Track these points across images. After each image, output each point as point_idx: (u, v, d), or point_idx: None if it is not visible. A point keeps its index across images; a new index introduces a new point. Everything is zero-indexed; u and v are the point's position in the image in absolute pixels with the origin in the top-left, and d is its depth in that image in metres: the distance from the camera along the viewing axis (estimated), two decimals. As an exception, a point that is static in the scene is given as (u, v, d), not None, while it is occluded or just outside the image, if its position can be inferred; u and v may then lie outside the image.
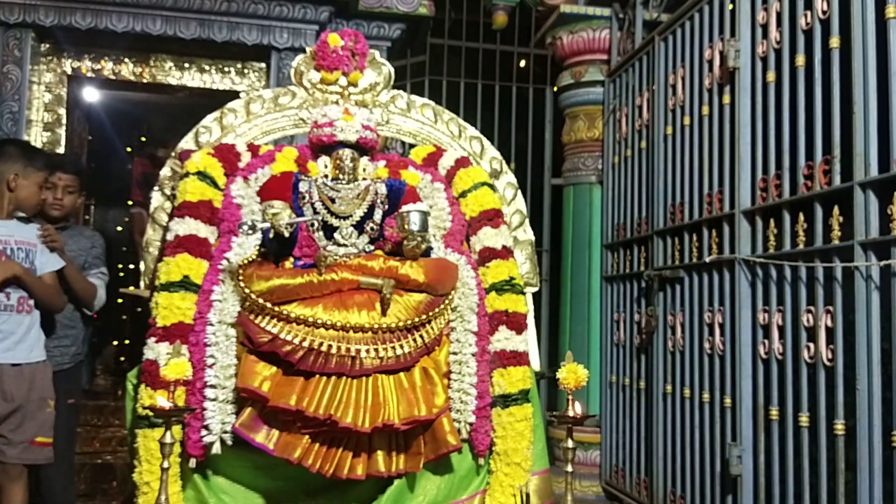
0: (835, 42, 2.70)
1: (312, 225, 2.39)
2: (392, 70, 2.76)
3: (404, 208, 2.35)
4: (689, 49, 3.64)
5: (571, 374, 2.02)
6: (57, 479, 3.03)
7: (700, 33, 3.54)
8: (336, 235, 2.42)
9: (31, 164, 2.89)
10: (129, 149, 5.82)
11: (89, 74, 4.22)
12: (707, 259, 3.33)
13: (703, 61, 3.50)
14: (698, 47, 3.55)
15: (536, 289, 2.70)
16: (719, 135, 3.36)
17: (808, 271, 2.75)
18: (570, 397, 2.02)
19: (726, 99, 3.30)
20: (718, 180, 3.34)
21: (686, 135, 3.65)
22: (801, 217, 2.80)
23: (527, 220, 2.75)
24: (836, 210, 2.63)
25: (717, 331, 3.29)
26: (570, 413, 1.99)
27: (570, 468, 2.02)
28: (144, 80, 4.28)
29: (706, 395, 3.37)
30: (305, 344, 2.12)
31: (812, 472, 2.74)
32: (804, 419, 2.76)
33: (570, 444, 2.01)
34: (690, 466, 3.50)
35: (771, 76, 3.05)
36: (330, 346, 2.12)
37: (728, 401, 3.20)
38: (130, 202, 5.63)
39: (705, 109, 3.48)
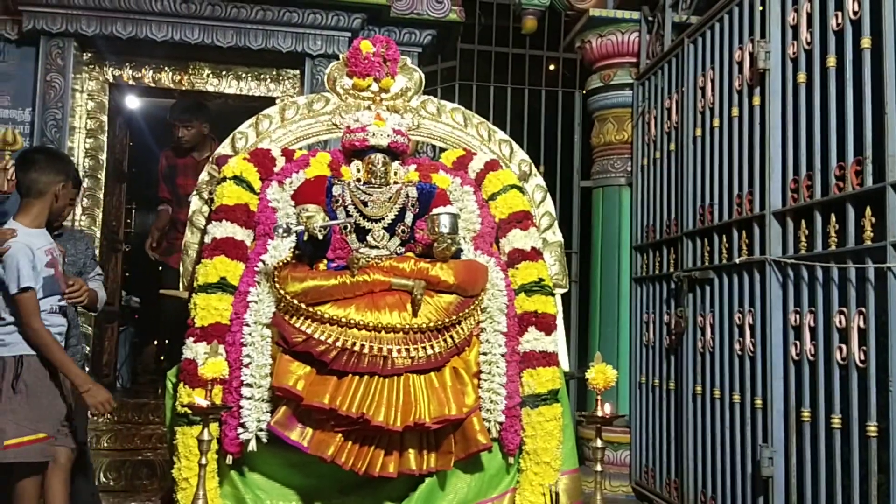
0: (866, 42, 2.69)
1: (345, 228, 2.44)
2: (423, 75, 2.81)
3: (435, 211, 2.40)
4: (718, 51, 3.64)
5: (601, 374, 2.05)
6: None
7: (730, 35, 3.54)
8: (368, 238, 2.47)
9: (68, 176, 2.98)
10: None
11: (130, 82, 4.34)
12: (737, 260, 3.33)
13: (733, 63, 3.50)
14: (728, 49, 3.55)
15: (565, 290, 2.72)
16: (749, 136, 3.35)
17: (839, 272, 2.74)
18: (599, 398, 2.04)
19: (756, 100, 3.30)
20: (748, 181, 3.34)
21: (715, 136, 3.64)
22: (833, 218, 2.79)
23: (556, 222, 2.79)
24: (868, 211, 2.62)
25: (748, 332, 3.29)
26: (600, 413, 2.01)
27: (599, 468, 2.04)
28: (183, 88, 4.38)
29: (736, 396, 3.37)
30: (339, 344, 2.17)
31: (844, 475, 2.73)
32: (836, 421, 2.75)
33: (599, 443, 2.03)
34: (721, 467, 3.49)
35: (802, 77, 3.04)
36: (362, 346, 2.18)
37: (759, 402, 3.19)
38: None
39: (735, 111, 3.47)
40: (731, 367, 3.43)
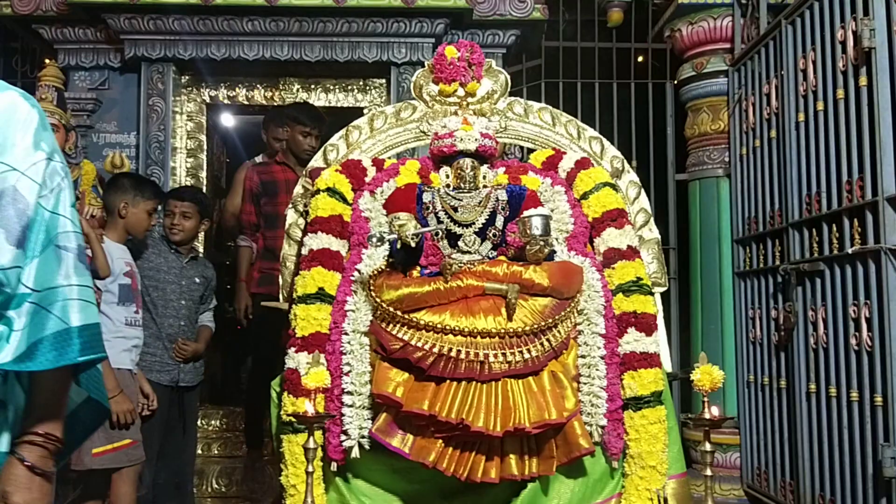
0: (983, 11, 2.50)
1: (437, 234, 2.45)
2: (508, 77, 2.79)
3: (526, 213, 2.36)
4: (819, 31, 3.46)
5: (706, 375, 1.96)
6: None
7: (830, 14, 3.36)
8: (460, 243, 2.46)
9: (140, 194, 3.22)
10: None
11: (225, 101, 4.51)
12: (850, 250, 3.15)
13: (836, 43, 3.32)
14: (829, 29, 3.37)
15: (665, 288, 2.65)
16: (857, 118, 3.17)
17: (964, 259, 2.55)
18: (706, 399, 1.96)
19: (863, 81, 3.11)
20: (858, 166, 3.16)
21: (820, 121, 3.46)
22: (955, 201, 2.60)
23: (652, 219, 2.71)
24: None
25: (864, 325, 3.10)
26: (707, 415, 1.93)
27: (709, 472, 1.96)
28: (275, 103, 4.51)
29: (854, 394, 3.19)
30: (435, 350, 2.17)
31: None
32: (967, 419, 2.56)
33: (707, 447, 1.95)
34: (840, 468, 3.31)
35: (912, 52, 2.85)
36: (459, 351, 2.17)
37: (879, 399, 3.00)
38: None
39: (840, 93, 3.29)
40: (847, 363, 3.25)
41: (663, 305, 2.60)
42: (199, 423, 4.31)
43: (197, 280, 3.49)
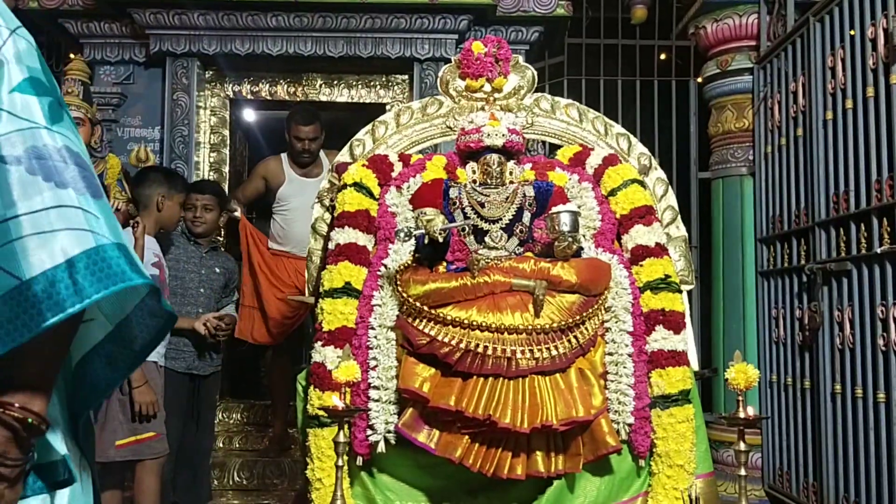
0: None
1: (464, 229, 2.44)
2: (535, 73, 2.78)
3: (554, 209, 2.35)
4: (848, 29, 3.42)
5: (741, 373, 1.94)
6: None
7: (860, 11, 3.31)
8: (486, 239, 2.46)
9: (173, 187, 3.26)
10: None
11: (248, 97, 4.52)
12: (878, 250, 3.11)
13: (866, 40, 3.28)
14: (859, 26, 3.33)
15: (692, 286, 2.63)
16: (887, 116, 3.13)
17: None
18: (741, 398, 1.94)
19: (893, 79, 3.07)
20: (889, 165, 3.11)
21: (849, 119, 3.42)
22: None
23: (679, 216, 2.69)
24: None
25: (892, 326, 3.07)
26: (742, 415, 1.91)
27: (743, 472, 1.93)
28: (298, 99, 4.52)
29: (881, 395, 3.15)
30: (462, 346, 2.16)
31: None
32: None
33: (742, 446, 1.93)
34: (865, 470, 3.27)
35: (945, 50, 2.81)
36: (486, 347, 2.16)
37: (907, 401, 2.97)
38: None
39: (870, 91, 3.25)
40: (874, 365, 3.21)
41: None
42: (220, 416, 4.33)
43: (217, 270, 3.52)
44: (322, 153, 4.23)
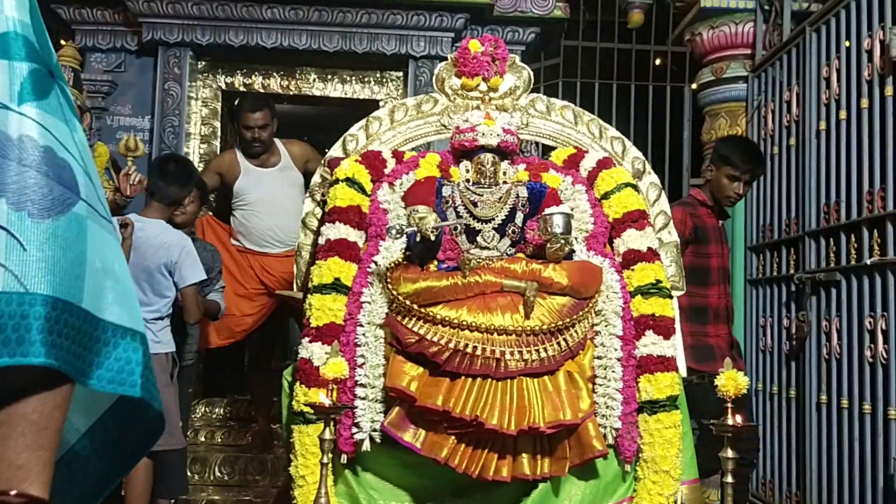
0: None
1: (455, 228, 2.42)
2: (531, 73, 2.76)
3: (547, 211, 2.33)
4: (844, 39, 3.43)
5: (731, 381, 1.93)
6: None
7: (857, 22, 3.33)
8: (478, 239, 2.44)
9: (197, 188, 3.40)
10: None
11: (241, 89, 4.48)
12: (868, 261, 3.12)
13: (862, 52, 3.29)
14: (855, 37, 3.34)
15: (682, 292, 2.62)
16: (881, 128, 3.14)
17: None
18: (730, 405, 1.93)
19: (889, 90, 3.08)
20: (880, 177, 3.13)
21: (842, 129, 3.44)
22: (979, 215, 2.58)
23: (671, 222, 2.68)
24: None
25: (880, 338, 3.08)
26: (730, 422, 1.90)
27: (730, 479, 1.93)
28: (291, 93, 4.48)
29: (867, 406, 3.16)
30: (451, 345, 2.14)
31: None
32: (984, 435, 2.54)
33: (730, 454, 1.92)
34: (849, 481, 3.29)
35: (941, 64, 2.82)
36: (475, 347, 2.14)
37: (893, 412, 2.98)
38: None
39: (864, 102, 3.26)
40: (860, 376, 3.22)
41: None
42: (202, 410, 4.29)
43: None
44: (279, 142, 4.09)
